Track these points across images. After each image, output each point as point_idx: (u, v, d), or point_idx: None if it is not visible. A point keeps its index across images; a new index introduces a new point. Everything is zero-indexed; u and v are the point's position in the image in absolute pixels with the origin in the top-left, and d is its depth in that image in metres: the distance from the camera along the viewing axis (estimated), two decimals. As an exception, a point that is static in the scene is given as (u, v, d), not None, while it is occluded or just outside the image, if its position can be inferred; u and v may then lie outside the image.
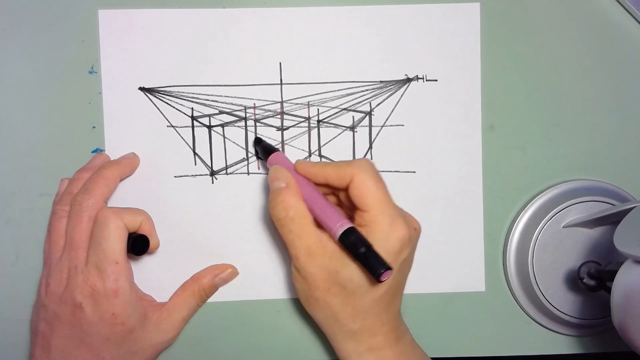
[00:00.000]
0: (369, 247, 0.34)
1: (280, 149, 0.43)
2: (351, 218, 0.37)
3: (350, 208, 0.38)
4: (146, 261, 0.43)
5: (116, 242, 0.38)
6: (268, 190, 0.43)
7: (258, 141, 0.43)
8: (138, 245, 0.40)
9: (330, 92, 0.44)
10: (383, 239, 0.35)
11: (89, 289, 0.38)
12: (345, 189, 0.37)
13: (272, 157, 0.41)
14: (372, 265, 0.34)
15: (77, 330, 0.38)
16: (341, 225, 0.35)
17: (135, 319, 0.39)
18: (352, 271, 0.35)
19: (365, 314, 0.37)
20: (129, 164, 0.42)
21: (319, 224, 0.37)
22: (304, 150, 0.44)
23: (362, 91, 0.44)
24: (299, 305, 0.44)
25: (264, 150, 0.42)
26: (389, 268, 0.34)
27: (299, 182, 0.38)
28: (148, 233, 0.41)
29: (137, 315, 0.39)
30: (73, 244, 0.38)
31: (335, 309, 0.37)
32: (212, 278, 0.42)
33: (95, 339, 0.38)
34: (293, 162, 0.39)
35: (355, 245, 0.34)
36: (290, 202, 0.36)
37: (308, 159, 0.44)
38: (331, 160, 0.44)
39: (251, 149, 0.43)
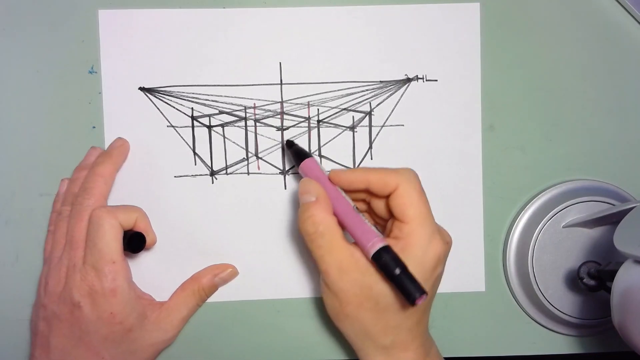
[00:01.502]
0: (403, 268, 0.33)
1: (278, 152, 0.43)
2: (382, 227, 0.37)
3: (382, 217, 0.38)
4: (146, 261, 0.43)
5: (112, 242, 0.38)
6: (268, 190, 0.43)
7: (290, 144, 0.42)
8: (134, 242, 0.40)
9: (330, 92, 0.44)
10: (420, 255, 0.35)
11: (87, 288, 0.38)
12: (386, 197, 0.36)
13: (304, 164, 0.39)
14: (407, 289, 0.33)
15: (76, 330, 0.38)
16: (374, 243, 0.34)
17: (134, 318, 0.39)
18: (385, 287, 0.35)
19: (397, 329, 0.36)
20: (121, 153, 0.42)
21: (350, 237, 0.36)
22: (304, 150, 0.44)
23: (362, 91, 0.44)
24: (299, 305, 0.44)
25: (296, 154, 0.41)
26: (424, 292, 0.33)
27: (330, 194, 0.37)
28: (144, 230, 0.41)
29: (135, 314, 0.39)
30: (72, 243, 0.39)
31: (366, 324, 0.36)
32: (212, 278, 0.42)
33: (93, 338, 0.38)
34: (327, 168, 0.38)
35: (389, 266, 0.33)
36: (320, 216, 0.35)
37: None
38: (332, 160, 0.44)
39: (252, 149, 0.43)
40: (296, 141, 0.43)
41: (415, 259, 0.34)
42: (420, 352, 0.38)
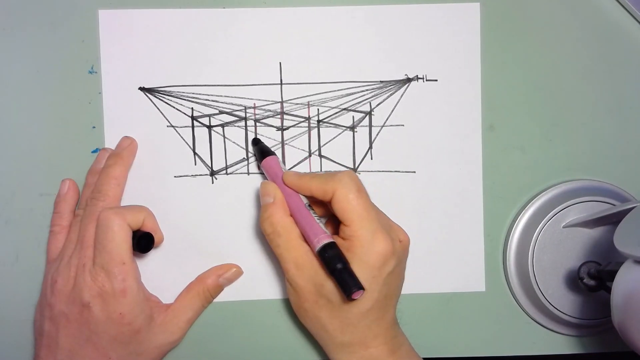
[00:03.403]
0: (344, 263, 0.35)
1: (278, 152, 0.43)
2: (339, 229, 0.38)
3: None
4: (145, 261, 0.43)
5: (121, 243, 0.38)
6: (268, 190, 0.44)
7: (256, 142, 0.43)
8: (143, 243, 0.40)
9: (330, 92, 0.44)
10: (364, 254, 0.36)
11: (97, 289, 0.38)
12: (330, 203, 0.37)
13: (264, 161, 0.41)
14: (345, 283, 0.34)
15: (84, 330, 0.38)
16: (319, 239, 0.36)
17: (142, 319, 0.39)
18: (334, 285, 0.36)
19: (353, 327, 0.37)
20: (131, 153, 0.42)
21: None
22: (304, 150, 0.44)
23: (362, 91, 0.44)
24: (299, 305, 0.44)
25: (259, 151, 0.42)
26: (360, 288, 0.34)
27: (286, 193, 0.39)
28: (151, 229, 0.41)
29: (144, 315, 0.39)
30: (84, 243, 0.39)
31: (323, 321, 0.38)
32: (217, 278, 0.42)
33: (102, 339, 0.38)
34: (287, 166, 0.40)
35: (331, 261, 0.35)
36: (276, 217, 0.38)
37: (308, 159, 0.44)
38: (331, 160, 0.44)
39: (251, 150, 0.43)
40: (296, 141, 0.43)
41: (359, 258, 0.36)
42: (383, 349, 0.38)
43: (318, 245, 0.36)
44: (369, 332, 0.38)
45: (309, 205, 0.38)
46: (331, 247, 0.35)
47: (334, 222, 0.41)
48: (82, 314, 0.38)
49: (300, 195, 0.39)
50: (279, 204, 0.38)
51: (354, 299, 0.35)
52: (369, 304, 0.36)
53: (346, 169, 0.38)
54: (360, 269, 0.35)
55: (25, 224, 0.43)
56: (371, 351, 0.38)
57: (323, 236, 0.36)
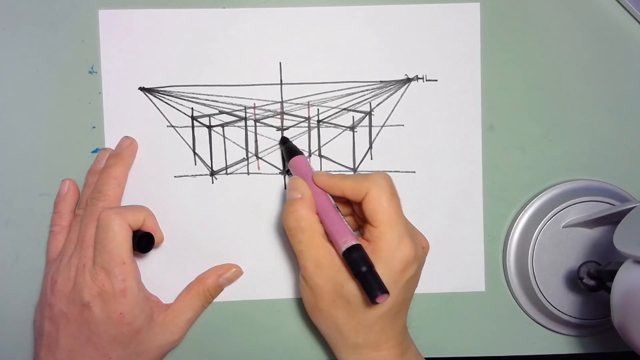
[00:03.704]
0: (370, 266, 0.34)
1: (278, 152, 0.43)
2: (364, 231, 0.38)
3: (364, 220, 0.38)
4: (145, 261, 0.43)
5: (122, 243, 0.38)
6: (268, 190, 0.43)
7: (284, 141, 0.43)
8: (143, 243, 0.40)
9: (330, 92, 0.44)
10: (388, 257, 0.36)
11: (98, 289, 0.38)
12: (360, 202, 0.37)
13: (293, 160, 0.41)
14: (370, 286, 0.34)
15: (84, 330, 0.38)
16: (346, 240, 0.35)
17: (142, 319, 0.39)
18: (356, 287, 0.36)
19: (368, 328, 0.37)
20: (131, 153, 0.42)
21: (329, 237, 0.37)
22: (304, 150, 0.44)
23: (362, 91, 0.44)
24: (299, 305, 0.44)
25: (287, 151, 0.42)
26: (385, 292, 0.34)
27: (314, 192, 0.38)
28: (152, 229, 0.41)
29: (144, 315, 0.39)
30: (84, 243, 0.39)
31: (339, 321, 0.37)
32: (217, 278, 0.42)
33: (102, 339, 0.38)
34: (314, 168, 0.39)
35: (357, 263, 0.35)
36: (302, 213, 0.37)
37: (309, 157, 0.44)
38: (331, 160, 0.44)
39: (252, 150, 0.43)
40: (296, 141, 0.43)
41: (384, 261, 0.36)
42: (394, 352, 0.38)
43: (344, 246, 0.35)
44: (382, 334, 0.37)
45: (336, 207, 0.38)
46: (357, 249, 0.35)
47: (354, 223, 0.41)
48: (82, 314, 0.38)
49: (328, 196, 0.38)
50: (307, 201, 0.37)
51: (377, 303, 0.34)
52: (387, 307, 0.36)
53: (379, 171, 0.37)
54: (384, 273, 0.35)
55: (25, 224, 0.43)
56: (382, 353, 0.38)
57: (350, 237, 0.35)
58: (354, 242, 0.35)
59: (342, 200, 0.39)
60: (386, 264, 0.35)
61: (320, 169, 0.44)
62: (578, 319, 0.42)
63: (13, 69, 0.43)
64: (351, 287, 0.36)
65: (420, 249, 0.37)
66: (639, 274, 0.32)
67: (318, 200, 0.38)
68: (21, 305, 0.43)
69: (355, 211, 0.40)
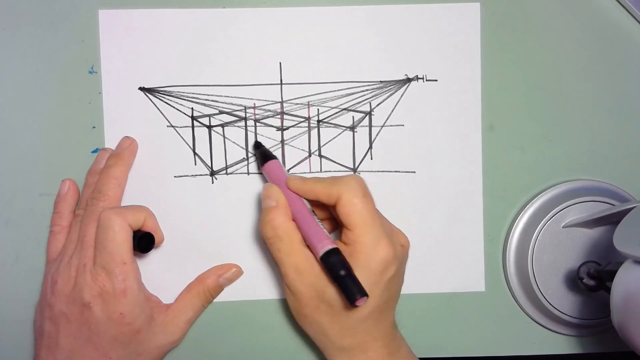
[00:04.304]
0: (348, 270, 0.35)
1: (278, 152, 0.43)
2: (340, 234, 0.38)
3: (342, 224, 0.38)
4: (146, 261, 0.43)
5: (122, 244, 0.38)
6: (268, 190, 0.43)
7: (257, 145, 0.43)
8: (144, 243, 0.40)
9: (330, 92, 0.44)
10: (366, 260, 0.36)
11: (98, 289, 0.38)
12: (335, 206, 0.37)
13: (266, 165, 0.41)
14: (349, 289, 0.34)
15: (85, 330, 0.38)
16: (323, 245, 0.35)
17: (143, 319, 0.39)
18: (336, 291, 0.36)
19: (353, 331, 0.37)
20: (131, 154, 0.42)
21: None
22: (304, 150, 0.44)
23: (362, 91, 0.44)
24: (299, 305, 0.44)
25: (261, 155, 0.42)
26: (364, 294, 0.34)
27: (289, 198, 0.38)
28: (152, 229, 0.41)
29: (144, 315, 0.39)
30: (84, 243, 0.39)
31: (323, 326, 0.38)
32: (217, 278, 0.42)
33: (102, 339, 0.38)
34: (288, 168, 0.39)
35: (335, 267, 0.35)
36: (278, 221, 0.37)
37: (308, 159, 0.44)
38: (331, 160, 0.44)
39: (251, 151, 0.43)
40: (296, 141, 0.43)
41: (362, 264, 0.35)
42: (382, 353, 0.38)
43: (322, 251, 0.35)
44: (368, 336, 0.38)
45: (312, 211, 0.38)
46: (335, 253, 0.35)
47: (332, 225, 0.41)
48: (83, 314, 0.38)
49: (304, 200, 0.38)
50: (282, 208, 0.37)
51: (357, 306, 0.34)
52: (370, 308, 0.36)
53: (351, 173, 0.37)
54: (362, 275, 0.35)
55: (25, 224, 0.43)
56: (370, 354, 0.38)
57: (327, 242, 0.36)
58: (330, 247, 0.35)
59: (318, 204, 0.39)
60: (365, 267, 0.35)
61: (321, 169, 0.44)
62: (578, 319, 0.42)
63: (13, 69, 0.43)
64: (332, 292, 0.36)
65: (399, 248, 0.37)
66: (639, 274, 0.32)
67: (293, 206, 0.38)
68: (21, 305, 0.43)
69: (333, 214, 0.39)
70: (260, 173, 0.43)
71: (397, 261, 0.37)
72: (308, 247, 0.37)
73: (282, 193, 0.38)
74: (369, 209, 0.36)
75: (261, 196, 0.39)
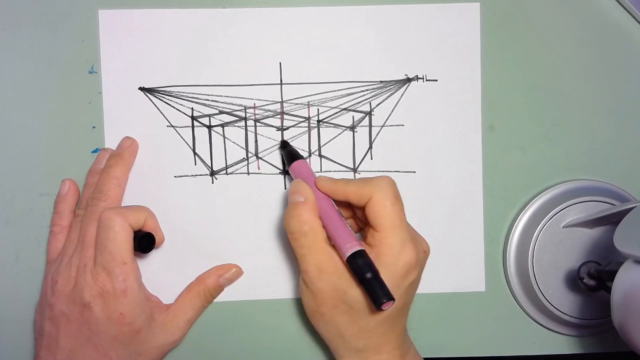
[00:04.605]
0: (375, 273, 0.34)
1: (277, 152, 0.43)
2: (366, 235, 0.38)
3: (366, 224, 0.38)
4: (146, 261, 0.43)
5: (123, 244, 0.38)
6: (268, 190, 0.43)
7: (284, 145, 0.43)
8: (144, 243, 0.40)
9: (330, 92, 0.44)
10: (391, 262, 0.35)
11: (98, 289, 0.38)
12: (363, 207, 0.37)
13: (294, 164, 0.41)
14: (375, 293, 0.34)
15: (85, 330, 0.38)
16: (351, 246, 0.35)
17: (143, 319, 0.39)
18: (359, 292, 0.36)
19: (370, 332, 0.37)
20: (132, 154, 0.42)
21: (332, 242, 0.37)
22: (304, 150, 0.44)
23: (362, 91, 0.44)
24: (299, 306, 0.44)
25: (288, 155, 0.42)
26: (391, 299, 0.34)
27: (317, 197, 0.38)
28: (152, 229, 0.41)
29: (144, 315, 0.39)
30: (85, 243, 0.39)
31: (340, 326, 0.37)
32: (217, 278, 0.42)
33: (102, 339, 0.38)
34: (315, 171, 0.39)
35: (361, 269, 0.34)
36: (305, 217, 0.36)
37: (309, 159, 0.44)
38: (332, 160, 0.44)
39: (252, 150, 0.43)
40: (296, 141, 0.43)
41: (386, 266, 0.35)
42: (394, 354, 0.38)
43: (349, 252, 0.35)
44: (383, 338, 0.38)
45: (340, 212, 0.38)
46: (362, 255, 0.35)
47: (355, 227, 0.41)
48: (83, 314, 0.38)
49: (331, 200, 0.38)
50: (310, 205, 0.37)
51: (383, 310, 0.34)
52: (389, 312, 0.36)
53: (383, 175, 0.37)
54: (386, 277, 0.35)
55: (25, 224, 0.43)
56: (383, 356, 0.38)
57: (354, 243, 0.35)
58: (358, 248, 0.35)
59: (343, 204, 0.39)
60: (389, 269, 0.35)
61: (320, 169, 0.44)
62: (578, 319, 0.42)
63: (13, 69, 0.43)
64: (355, 293, 0.36)
65: (421, 253, 0.37)
66: (639, 274, 0.32)
67: (321, 204, 0.38)
68: (21, 305, 0.43)
69: (357, 215, 0.40)
70: (259, 173, 0.43)
71: (419, 266, 0.37)
72: (332, 246, 0.37)
73: (311, 190, 0.38)
74: (399, 211, 0.36)
75: (288, 191, 0.38)
